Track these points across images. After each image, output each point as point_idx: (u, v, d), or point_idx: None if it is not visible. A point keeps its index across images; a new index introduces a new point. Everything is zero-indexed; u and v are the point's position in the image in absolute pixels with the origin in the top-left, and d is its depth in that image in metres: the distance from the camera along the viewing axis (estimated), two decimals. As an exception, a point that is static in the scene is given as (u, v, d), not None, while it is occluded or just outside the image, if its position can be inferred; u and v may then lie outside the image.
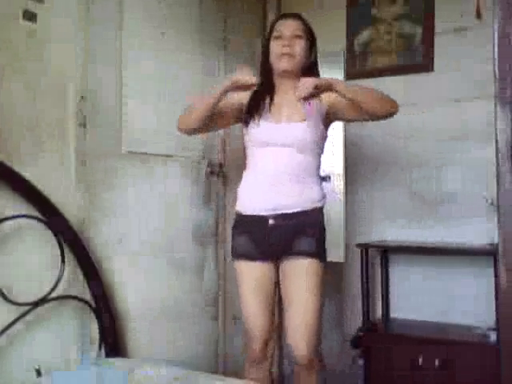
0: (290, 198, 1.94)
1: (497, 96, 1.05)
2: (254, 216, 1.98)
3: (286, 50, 1.96)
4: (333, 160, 2.81)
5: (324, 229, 2.01)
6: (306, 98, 1.95)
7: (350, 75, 2.85)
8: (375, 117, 1.95)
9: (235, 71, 1.97)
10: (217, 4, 2.62)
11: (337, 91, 1.91)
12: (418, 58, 2.72)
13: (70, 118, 1.88)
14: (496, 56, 1.05)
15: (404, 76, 2.74)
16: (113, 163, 2.05)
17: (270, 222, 1.95)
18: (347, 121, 2.20)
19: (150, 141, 2.22)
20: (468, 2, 2.47)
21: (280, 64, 1.98)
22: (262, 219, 1.96)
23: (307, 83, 1.91)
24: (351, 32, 2.88)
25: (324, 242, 2.00)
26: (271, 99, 2.03)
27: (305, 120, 1.96)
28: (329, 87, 1.92)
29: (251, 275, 2.01)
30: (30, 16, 1.75)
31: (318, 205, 2.00)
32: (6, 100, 1.69)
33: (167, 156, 2.30)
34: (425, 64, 2.69)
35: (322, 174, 2.72)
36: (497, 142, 1.05)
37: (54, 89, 1.84)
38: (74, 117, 1.89)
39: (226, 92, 1.93)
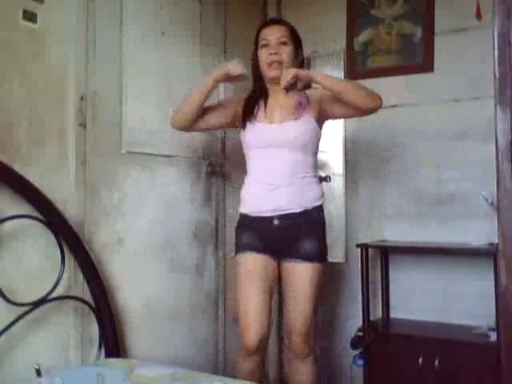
0: (290, 200, 2.03)
1: (497, 96, 1.05)
2: (260, 217, 2.06)
3: (273, 57, 2.06)
4: (333, 160, 2.82)
5: (325, 226, 2.11)
6: (289, 89, 2.03)
7: (350, 75, 2.85)
8: (358, 109, 2.01)
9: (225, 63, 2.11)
10: (217, 3, 2.62)
11: (317, 82, 2.00)
12: (418, 58, 2.72)
13: (70, 118, 1.88)
14: (496, 56, 1.05)
15: (404, 76, 2.74)
16: (113, 163, 2.05)
17: (275, 222, 2.03)
18: (336, 117, 2.25)
19: (150, 141, 2.22)
20: (468, 2, 2.47)
21: (269, 72, 2.09)
22: (267, 220, 2.04)
23: (287, 73, 2.00)
24: (351, 32, 2.88)
25: (325, 240, 2.10)
26: (265, 103, 2.12)
27: (296, 119, 2.05)
28: (309, 78, 2.02)
29: (254, 265, 2.05)
30: (30, 16, 1.75)
31: (318, 203, 2.09)
32: (6, 100, 1.69)
33: (167, 156, 2.30)
34: (425, 64, 2.69)
35: (323, 174, 2.77)
36: (497, 142, 1.05)
37: (54, 89, 1.84)
38: (73, 117, 1.89)
39: (216, 82, 2.05)
